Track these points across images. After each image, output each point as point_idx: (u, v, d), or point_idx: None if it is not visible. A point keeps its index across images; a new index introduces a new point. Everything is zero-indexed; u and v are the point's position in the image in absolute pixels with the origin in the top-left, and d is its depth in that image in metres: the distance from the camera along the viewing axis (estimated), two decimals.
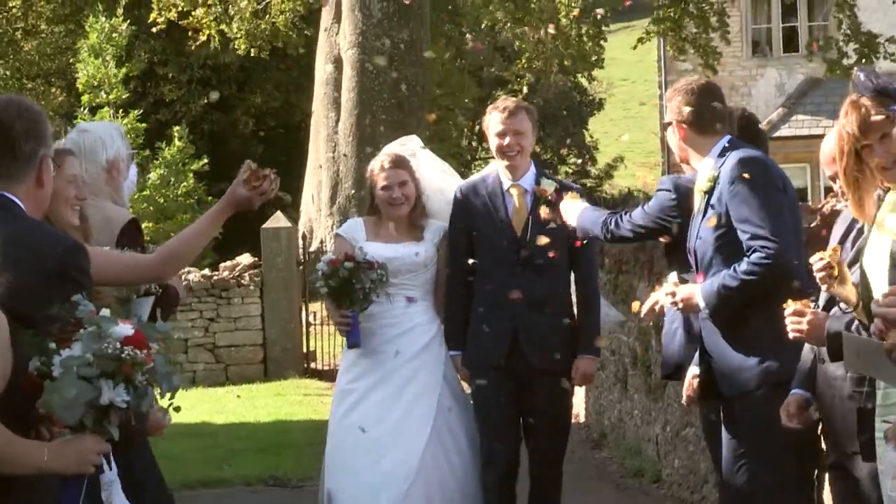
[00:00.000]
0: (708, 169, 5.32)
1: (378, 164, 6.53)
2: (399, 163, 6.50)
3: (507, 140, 6.33)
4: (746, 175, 5.14)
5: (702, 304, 5.24)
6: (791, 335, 4.55)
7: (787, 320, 4.54)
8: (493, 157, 6.62)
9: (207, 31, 20.22)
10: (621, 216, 5.72)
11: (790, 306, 4.55)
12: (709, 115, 5.45)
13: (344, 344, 6.50)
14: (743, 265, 5.09)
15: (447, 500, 6.26)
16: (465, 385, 6.58)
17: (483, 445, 6.33)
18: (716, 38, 21.01)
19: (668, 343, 5.83)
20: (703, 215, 5.28)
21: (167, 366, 3.35)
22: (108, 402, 3.21)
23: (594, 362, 6.51)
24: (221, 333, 16.78)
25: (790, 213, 5.24)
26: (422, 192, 6.54)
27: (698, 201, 5.35)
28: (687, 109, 5.44)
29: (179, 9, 19.99)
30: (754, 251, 5.07)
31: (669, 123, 5.52)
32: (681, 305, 5.34)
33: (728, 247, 5.18)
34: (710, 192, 5.26)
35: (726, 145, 5.36)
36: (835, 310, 4.35)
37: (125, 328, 3.28)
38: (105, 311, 3.30)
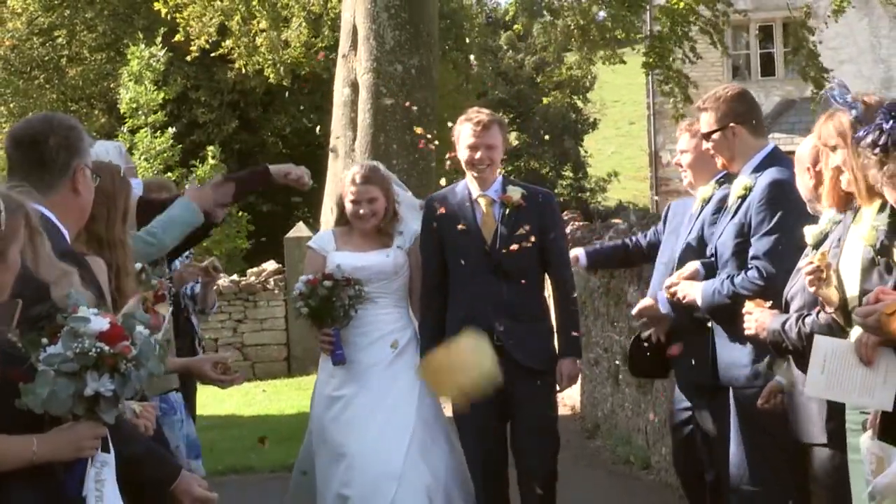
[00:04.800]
0: (746, 177, 5.23)
1: (350, 178, 6.13)
2: (370, 178, 6.06)
3: (478, 154, 5.90)
4: (773, 198, 5.03)
5: (699, 302, 5.22)
6: (746, 332, 4.56)
7: (745, 318, 4.55)
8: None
9: (240, 63, 20.18)
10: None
11: (747, 305, 4.55)
12: (761, 119, 5.33)
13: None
14: (739, 278, 5.07)
15: (430, 502, 5.81)
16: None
17: (467, 455, 5.96)
18: (706, 58, 20.85)
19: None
20: (731, 217, 5.22)
21: (152, 353, 3.22)
22: (94, 393, 3.13)
23: (576, 363, 6.05)
24: (249, 333, 16.84)
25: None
26: (397, 201, 6.12)
27: (731, 202, 5.27)
28: (744, 111, 5.27)
29: (210, 37, 19.93)
30: (751, 269, 5.05)
31: (721, 128, 5.26)
32: (682, 296, 5.30)
33: (744, 255, 5.14)
34: (742, 199, 5.19)
35: (767, 155, 5.25)
36: (821, 315, 4.23)
37: (101, 322, 3.17)
38: (83, 309, 3.19)
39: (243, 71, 20.49)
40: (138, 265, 4.87)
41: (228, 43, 19.79)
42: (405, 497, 5.77)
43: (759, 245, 5.06)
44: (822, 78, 19.16)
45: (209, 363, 4.93)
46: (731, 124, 5.25)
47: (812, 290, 4.13)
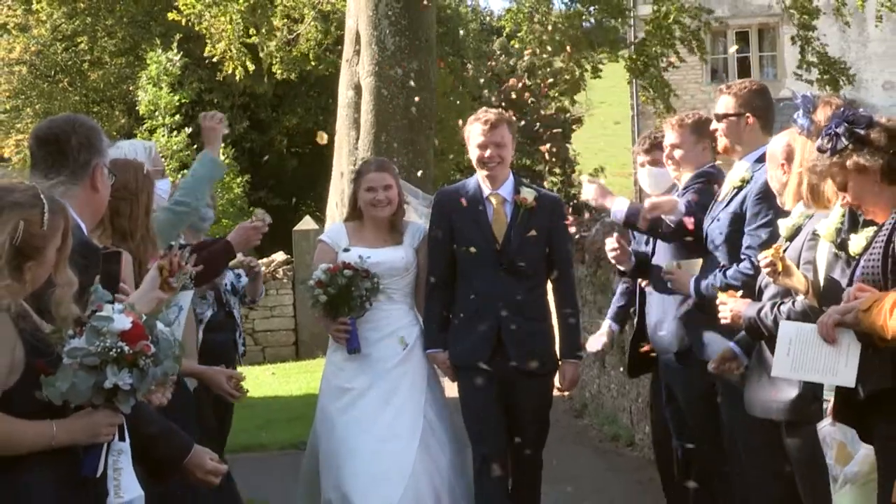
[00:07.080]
0: (743, 169, 5.17)
1: (363, 168, 5.95)
2: (385, 167, 5.91)
3: (488, 152, 5.71)
4: (770, 193, 4.87)
5: (691, 293, 5.17)
6: (721, 321, 4.55)
7: (719, 309, 4.54)
8: None
9: (231, 66, 19.94)
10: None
11: (720, 296, 4.55)
12: (772, 120, 5.27)
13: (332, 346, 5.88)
14: (731, 271, 5.02)
15: (436, 499, 5.62)
16: (446, 381, 6.01)
17: (472, 442, 5.75)
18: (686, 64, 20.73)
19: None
20: (726, 206, 5.16)
21: (171, 352, 3.19)
22: (113, 385, 3.10)
23: (577, 366, 5.91)
24: (259, 320, 16.86)
25: None
26: (405, 198, 5.98)
27: (725, 190, 5.21)
28: (762, 106, 5.20)
29: (226, 43, 19.73)
30: (744, 260, 5.01)
31: (738, 115, 5.18)
32: (674, 285, 5.26)
33: (732, 241, 5.10)
34: (738, 189, 5.13)
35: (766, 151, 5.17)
36: (797, 303, 4.27)
37: (123, 322, 3.14)
38: (107, 307, 3.17)
39: (228, 72, 20.15)
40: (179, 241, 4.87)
41: (220, 46, 19.58)
42: (413, 495, 5.57)
43: (753, 237, 5.00)
44: (846, 75, 19.06)
45: (224, 376, 4.89)
46: (748, 114, 5.19)
47: (772, 280, 4.22)
